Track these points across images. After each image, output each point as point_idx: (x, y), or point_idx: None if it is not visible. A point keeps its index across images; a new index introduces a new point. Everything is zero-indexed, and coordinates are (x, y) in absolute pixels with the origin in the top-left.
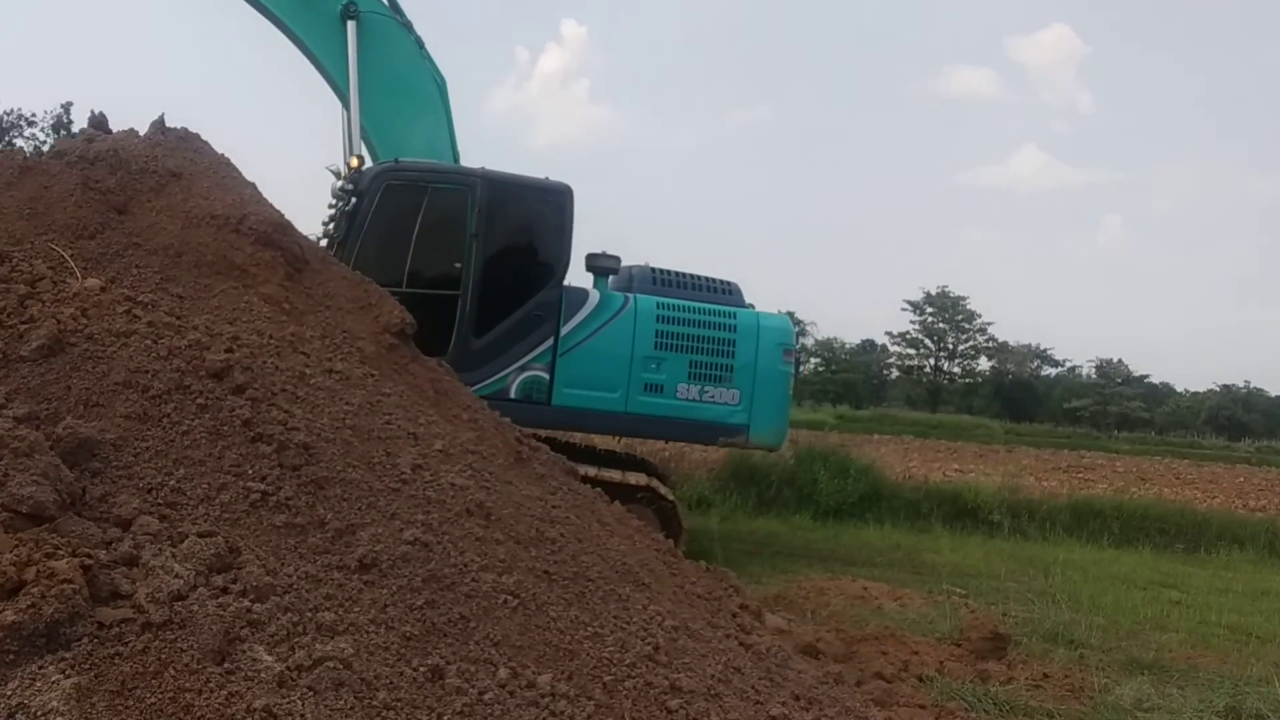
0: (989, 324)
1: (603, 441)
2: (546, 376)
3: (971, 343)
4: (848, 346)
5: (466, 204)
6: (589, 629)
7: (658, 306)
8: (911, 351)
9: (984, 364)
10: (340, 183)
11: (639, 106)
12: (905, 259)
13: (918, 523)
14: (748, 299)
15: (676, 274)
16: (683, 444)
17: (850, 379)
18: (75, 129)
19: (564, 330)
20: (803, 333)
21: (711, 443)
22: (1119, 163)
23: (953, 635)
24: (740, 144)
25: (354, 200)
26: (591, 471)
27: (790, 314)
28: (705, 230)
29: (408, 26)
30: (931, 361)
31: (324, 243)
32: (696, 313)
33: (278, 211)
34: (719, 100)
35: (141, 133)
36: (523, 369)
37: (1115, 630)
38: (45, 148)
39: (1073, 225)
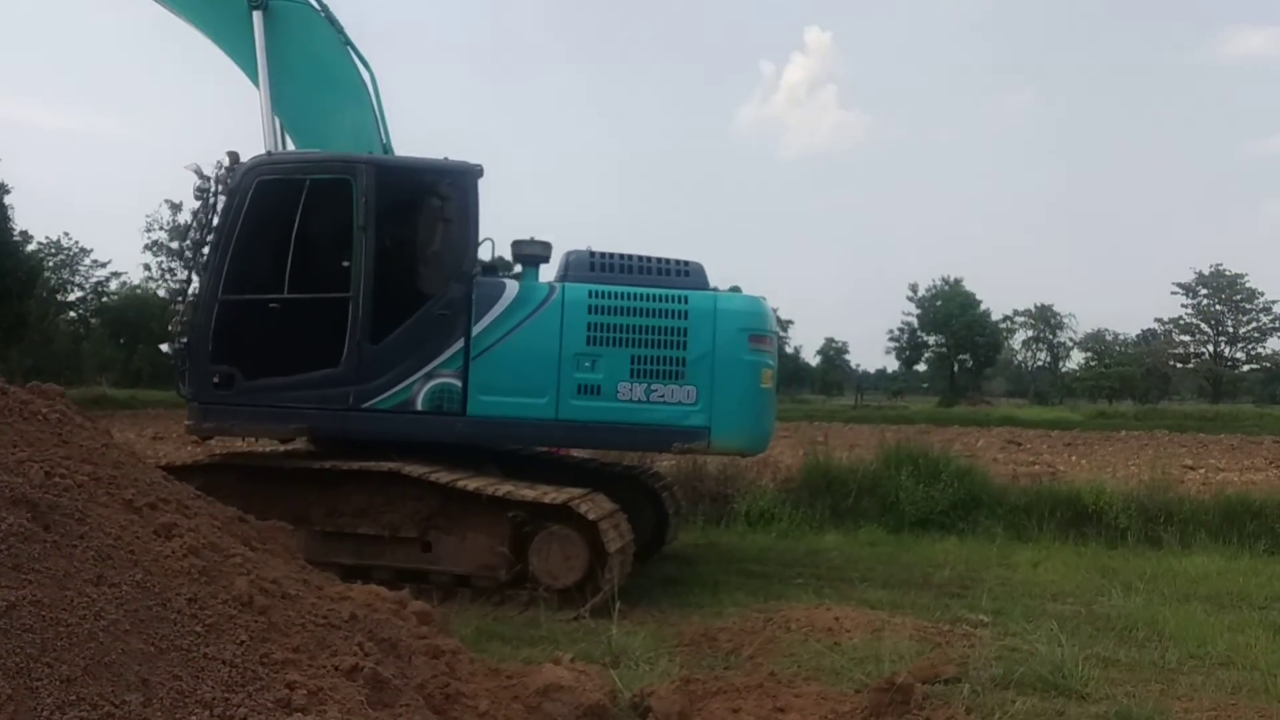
0: (1274, 302)
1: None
2: (458, 384)
3: (1255, 324)
4: (1121, 338)
5: (351, 194)
6: None
7: (590, 295)
8: (1186, 339)
9: (1277, 346)
10: (200, 181)
11: (891, 106)
12: (1178, 240)
13: (1025, 530)
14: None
15: (620, 257)
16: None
17: (1127, 372)
18: None
19: (476, 330)
20: (1060, 325)
21: (666, 449)
22: None
23: (868, 682)
24: (1001, 132)
25: (224, 200)
26: (503, 491)
27: (1048, 306)
28: (964, 224)
29: (326, 14)
30: (1210, 348)
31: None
32: (637, 299)
33: None
34: (976, 89)
35: None
36: (429, 376)
37: (1142, 670)
38: None
39: None
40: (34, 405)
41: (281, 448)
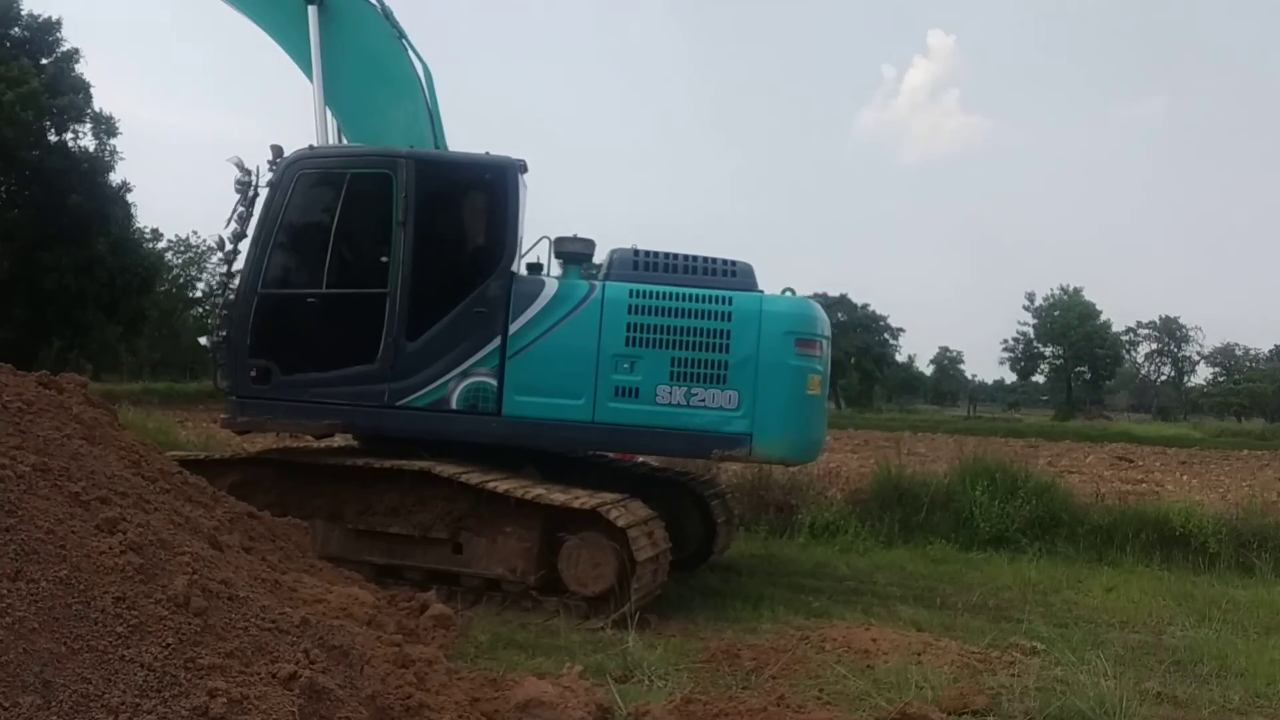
0: None
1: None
2: (494, 383)
3: None
4: (1252, 353)
5: (391, 189)
6: None
7: (630, 294)
8: None
9: None
10: (241, 175)
11: (1016, 111)
12: None
13: (1107, 553)
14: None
15: (665, 255)
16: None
17: (1258, 389)
18: None
19: (513, 328)
20: (1185, 339)
21: (705, 456)
22: None
23: (887, 709)
24: (1129, 138)
25: (266, 193)
26: (533, 494)
27: (1173, 319)
28: (1087, 232)
29: (382, 8)
30: None
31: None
32: (679, 299)
33: None
34: (1104, 94)
35: None
36: (465, 375)
37: (1197, 709)
38: None
39: None
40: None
41: (316, 444)
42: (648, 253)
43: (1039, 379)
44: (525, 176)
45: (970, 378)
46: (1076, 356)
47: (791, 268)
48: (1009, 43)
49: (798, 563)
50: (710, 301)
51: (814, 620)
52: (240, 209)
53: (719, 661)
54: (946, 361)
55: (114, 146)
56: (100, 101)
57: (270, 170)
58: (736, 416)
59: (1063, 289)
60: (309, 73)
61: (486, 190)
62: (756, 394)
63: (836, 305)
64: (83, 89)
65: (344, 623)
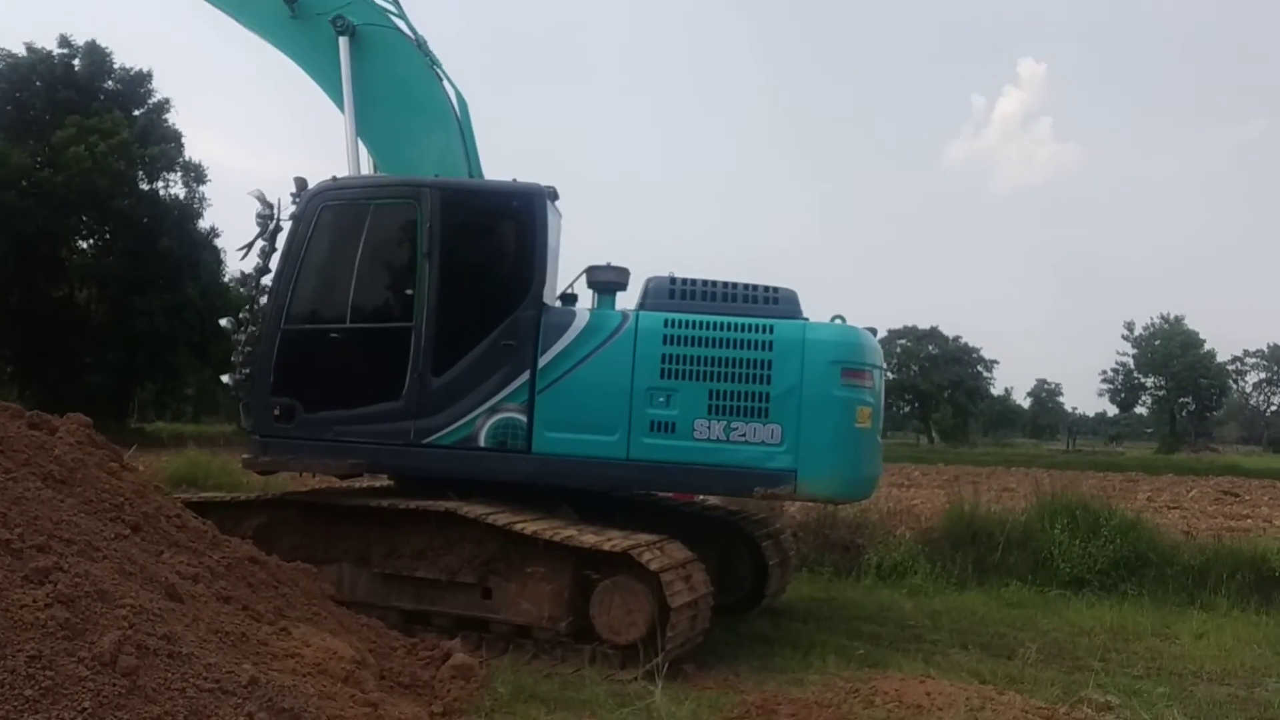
0: None
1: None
2: (523, 418)
3: None
4: None
5: (416, 219)
6: None
7: (665, 324)
8: None
9: None
10: (263, 209)
11: (1111, 137)
12: None
13: (1199, 596)
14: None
15: (704, 283)
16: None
17: None
18: None
19: (542, 361)
20: None
21: (746, 494)
22: None
23: None
24: (1228, 162)
25: (289, 226)
26: (561, 535)
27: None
28: (1187, 260)
29: (416, 38)
30: None
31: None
32: (717, 328)
33: None
34: (1201, 118)
35: None
36: (493, 411)
37: None
38: None
39: None
40: None
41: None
42: (685, 280)
43: (1141, 411)
44: (557, 204)
45: (1070, 410)
46: (1179, 387)
47: (881, 300)
48: (1102, 69)
49: (859, 606)
50: (750, 330)
51: (866, 671)
52: (262, 243)
53: (753, 718)
54: (1044, 394)
55: (203, 194)
56: (191, 150)
57: (293, 203)
58: (780, 452)
59: (1163, 318)
60: (340, 103)
61: (514, 219)
62: (801, 428)
63: (927, 338)
64: (174, 139)
65: (304, 681)
